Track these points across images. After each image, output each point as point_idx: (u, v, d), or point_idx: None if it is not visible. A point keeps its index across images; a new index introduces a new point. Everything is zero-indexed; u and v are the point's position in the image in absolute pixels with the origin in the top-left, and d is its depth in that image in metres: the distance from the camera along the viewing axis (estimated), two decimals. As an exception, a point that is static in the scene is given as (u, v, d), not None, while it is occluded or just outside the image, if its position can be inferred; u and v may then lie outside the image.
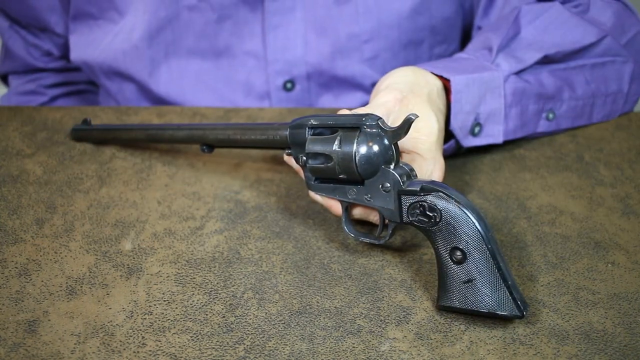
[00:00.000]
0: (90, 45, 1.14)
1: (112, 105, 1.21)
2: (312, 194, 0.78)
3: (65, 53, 1.22)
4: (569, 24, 0.98)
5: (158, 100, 1.15)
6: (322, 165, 0.74)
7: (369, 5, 1.08)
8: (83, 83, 1.32)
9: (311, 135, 0.75)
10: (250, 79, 1.12)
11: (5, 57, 1.27)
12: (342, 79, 1.12)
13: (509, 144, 0.98)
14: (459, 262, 0.67)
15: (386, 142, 0.71)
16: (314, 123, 0.75)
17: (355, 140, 0.71)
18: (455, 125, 0.88)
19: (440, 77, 0.88)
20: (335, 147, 0.72)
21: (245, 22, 1.09)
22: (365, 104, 1.14)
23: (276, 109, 1.09)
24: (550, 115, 0.97)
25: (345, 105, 1.14)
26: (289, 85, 1.11)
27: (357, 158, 0.71)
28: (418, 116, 0.70)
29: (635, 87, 1.03)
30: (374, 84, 1.12)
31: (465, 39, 1.19)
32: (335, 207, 0.77)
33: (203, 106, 1.12)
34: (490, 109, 0.91)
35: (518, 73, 0.93)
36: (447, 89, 0.88)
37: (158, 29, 1.09)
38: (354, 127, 0.72)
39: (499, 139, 0.93)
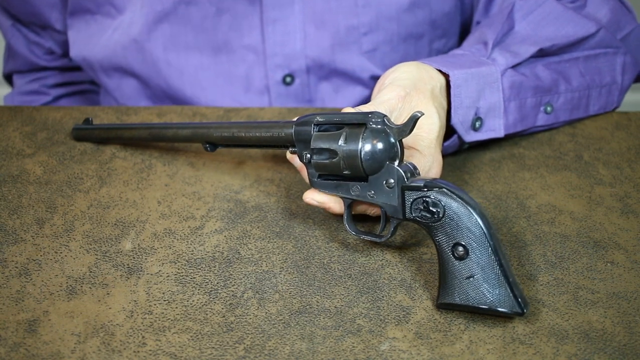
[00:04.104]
0: (89, 41, 1.14)
1: (111, 103, 1.21)
2: (307, 198, 0.78)
3: (66, 51, 1.23)
4: (562, 19, 0.99)
5: (157, 96, 1.15)
6: (327, 161, 0.74)
7: None
8: (86, 83, 1.32)
9: (317, 131, 0.75)
10: (249, 74, 1.12)
11: (9, 56, 1.28)
12: (341, 72, 1.12)
13: (508, 143, 0.98)
14: (460, 258, 0.68)
15: (392, 139, 0.72)
16: (319, 120, 0.75)
17: (361, 136, 0.72)
18: (456, 120, 0.89)
19: (440, 72, 0.88)
20: (341, 142, 0.73)
21: (244, 16, 1.09)
22: (365, 98, 1.14)
23: (276, 109, 1.09)
24: (549, 109, 0.97)
25: (345, 100, 1.14)
26: (288, 79, 1.11)
27: (362, 154, 0.72)
28: (424, 114, 0.72)
29: (627, 79, 1.04)
30: (372, 77, 1.12)
31: (463, 34, 1.19)
32: (334, 207, 0.77)
33: (203, 103, 1.12)
34: (490, 103, 0.91)
35: (514, 67, 0.93)
36: (448, 85, 0.89)
37: (156, 22, 1.09)
38: (360, 123, 0.73)
39: (500, 132, 0.93)
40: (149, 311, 0.70)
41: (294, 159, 0.80)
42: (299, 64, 1.11)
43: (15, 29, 1.23)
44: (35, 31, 1.22)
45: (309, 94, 1.13)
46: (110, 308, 0.71)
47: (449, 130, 0.89)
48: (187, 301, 0.72)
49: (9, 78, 1.33)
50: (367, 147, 0.72)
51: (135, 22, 1.09)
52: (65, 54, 1.24)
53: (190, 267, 0.76)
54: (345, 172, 0.74)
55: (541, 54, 0.96)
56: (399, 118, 0.80)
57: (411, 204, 0.71)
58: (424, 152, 0.80)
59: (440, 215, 0.69)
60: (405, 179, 0.71)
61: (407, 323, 0.69)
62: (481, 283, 0.67)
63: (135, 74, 1.13)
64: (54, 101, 1.30)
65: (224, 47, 1.10)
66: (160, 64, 1.12)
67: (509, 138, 0.97)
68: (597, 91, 1.01)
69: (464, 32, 1.19)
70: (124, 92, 1.16)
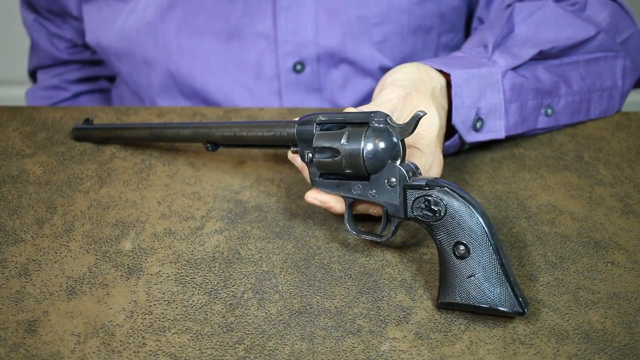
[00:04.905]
0: (103, 25, 1.15)
1: (123, 93, 1.23)
2: (310, 197, 0.78)
3: None
4: (562, 22, 0.99)
5: (166, 82, 1.14)
6: (329, 160, 0.74)
7: None
8: (105, 79, 1.33)
9: (319, 130, 0.75)
10: (260, 61, 1.12)
11: (33, 51, 1.31)
12: (351, 62, 1.12)
13: (508, 144, 0.98)
14: (462, 257, 0.68)
15: (394, 138, 0.72)
16: (322, 119, 0.76)
17: (363, 135, 0.72)
18: (457, 119, 0.89)
19: (441, 72, 0.88)
20: (343, 141, 0.73)
21: (257, 3, 1.09)
22: (372, 90, 1.14)
23: (276, 109, 1.09)
24: (549, 111, 0.97)
25: (353, 92, 1.15)
26: (298, 67, 1.12)
27: (364, 153, 0.72)
28: (426, 113, 0.72)
29: (627, 83, 1.04)
30: (381, 68, 1.13)
31: (467, 29, 1.19)
32: (336, 206, 0.77)
33: (212, 89, 1.12)
34: (491, 105, 0.91)
35: (514, 69, 0.94)
36: (448, 85, 0.89)
37: (170, 5, 1.09)
38: (363, 123, 0.73)
39: (501, 134, 0.93)
40: (149, 311, 0.70)
41: (295, 159, 0.80)
42: (310, 52, 1.11)
43: (38, 23, 1.25)
44: (56, 23, 1.24)
45: (318, 83, 1.14)
46: (110, 308, 0.71)
47: (450, 131, 0.90)
48: (187, 301, 0.72)
49: (33, 75, 1.35)
50: (370, 146, 0.72)
51: (150, 5, 1.10)
52: (87, 44, 1.25)
53: (190, 267, 0.76)
54: (347, 171, 0.74)
55: (541, 56, 0.96)
56: (399, 118, 0.80)
57: (413, 202, 0.71)
58: (425, 151, 0.80)
59: (442, 214, 0.69)
60: (407, 178, 0.72)
61: (408, 323, 0.69)
62: (482, 282, 0.67)
63: (146, 58, 1.14)
64: (73, 98, 1.31)
65: (235, 33, 1.11)
66: (172, 48, 1.12)
67: (510, 138, 0.97)
68: (598, 95, 1.01)
69: (468, 27, 1.19)
70: (133, 79, 1.17)
